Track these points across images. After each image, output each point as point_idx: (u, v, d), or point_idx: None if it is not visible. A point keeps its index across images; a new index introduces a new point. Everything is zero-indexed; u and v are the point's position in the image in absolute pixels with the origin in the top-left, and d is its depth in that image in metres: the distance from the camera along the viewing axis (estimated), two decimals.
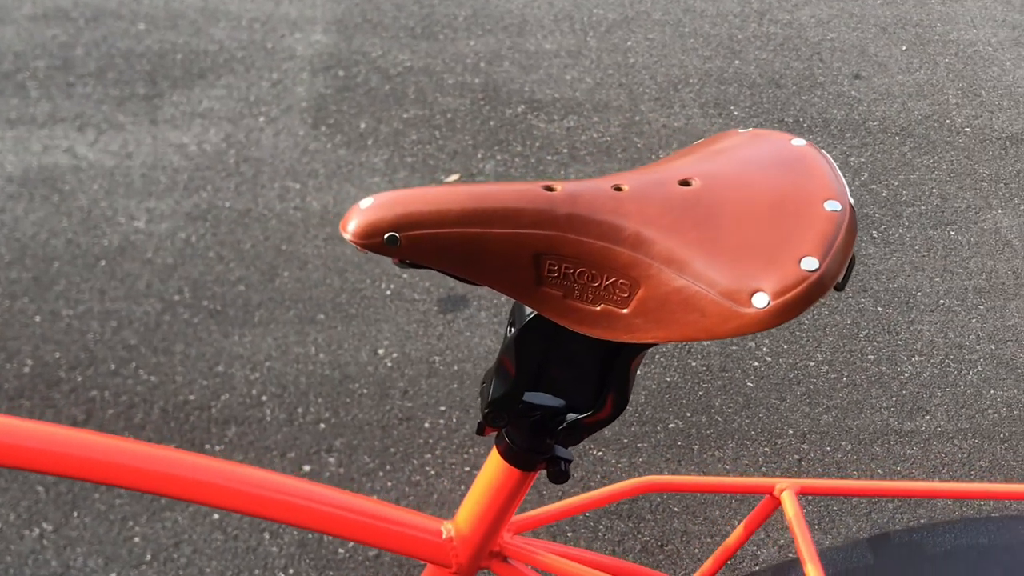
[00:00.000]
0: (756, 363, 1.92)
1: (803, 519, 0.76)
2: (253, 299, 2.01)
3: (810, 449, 1.77)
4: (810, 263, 0.55)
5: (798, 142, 0.62)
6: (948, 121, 2.63)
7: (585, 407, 0.65)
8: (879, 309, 2.05)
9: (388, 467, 1.71)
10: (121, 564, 1.55)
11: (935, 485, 0.81)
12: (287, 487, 0.69)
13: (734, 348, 1.95)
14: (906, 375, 1.91)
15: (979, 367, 1.94)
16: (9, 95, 2.55)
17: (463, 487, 1.68)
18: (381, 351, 1.92)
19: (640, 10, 3.03)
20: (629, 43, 2.88)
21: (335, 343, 1.92)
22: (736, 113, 2.62)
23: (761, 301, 0.54)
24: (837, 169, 0.61)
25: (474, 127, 2.52)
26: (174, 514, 1.62)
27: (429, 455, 1.73)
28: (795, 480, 0.79)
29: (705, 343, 1.97)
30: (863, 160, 2.48)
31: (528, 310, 0.61)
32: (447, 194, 0.57)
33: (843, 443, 1.78)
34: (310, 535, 1.60)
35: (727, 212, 0.57)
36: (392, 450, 1.74)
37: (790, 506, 0.77)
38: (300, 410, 1.80)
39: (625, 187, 0.59)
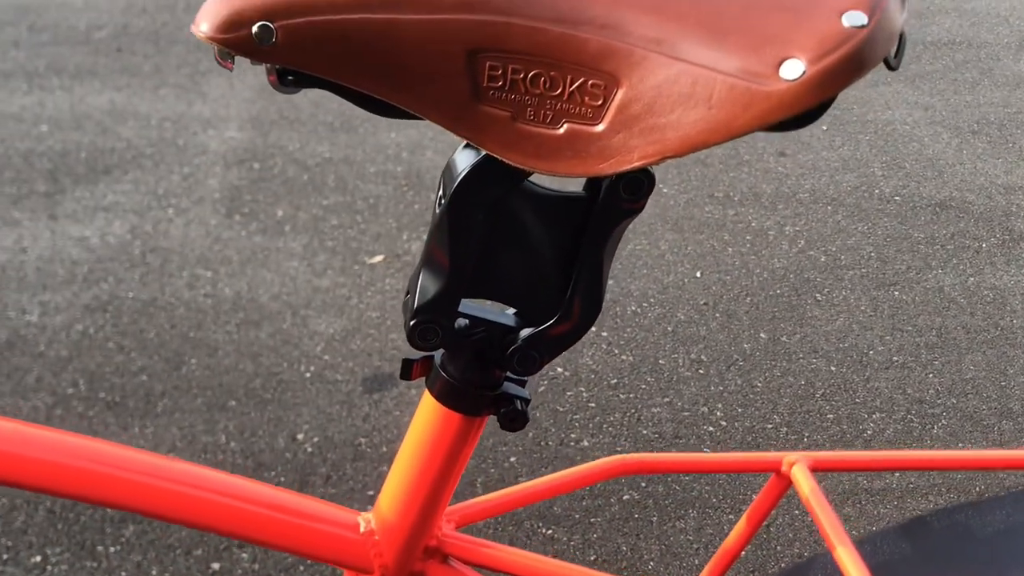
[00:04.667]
0: (711, 428, 1.78)
1: (822, 496, 0.61)
2: (156, 388, 1.81)
3: (777, 514, 1.62)
4: (856, 17, 0.41)
5: None
6: (877, 191, 2.61)
7: (544, 315, 0.49)
8: (832, 368, 1.94)
9: (309, 561, 1.50)
10: None
11: (963, 454, 0.67)
12: (154, 468, 0.52)
13: (686, 414, 1.81)
14: (869, 432, 1.79)
15: (943, 421, 1.82)
16: None
17: None
18: (300, 436, 1.73)
19: None
20: None
21: (248, 430, 1.73)
22: (666, 191, 2.56)
23: (793, 70, 0.40)
24: None
25: (398, 211, 2.41)
26: None
27: None
28: (806, 453, 0.64)
29: None
30: (798, 229, 2.42)
31: (463, 164, 0.46)
32: None
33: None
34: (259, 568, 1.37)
35: None
36: None
37: (804, 483, 0.62)
38: None
39: None
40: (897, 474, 1.71)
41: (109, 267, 2.15)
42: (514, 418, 0.51)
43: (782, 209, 2.50)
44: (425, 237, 2.19)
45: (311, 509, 0.55)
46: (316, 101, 2.93)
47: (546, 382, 1.87)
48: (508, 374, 0.52)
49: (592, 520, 1.59)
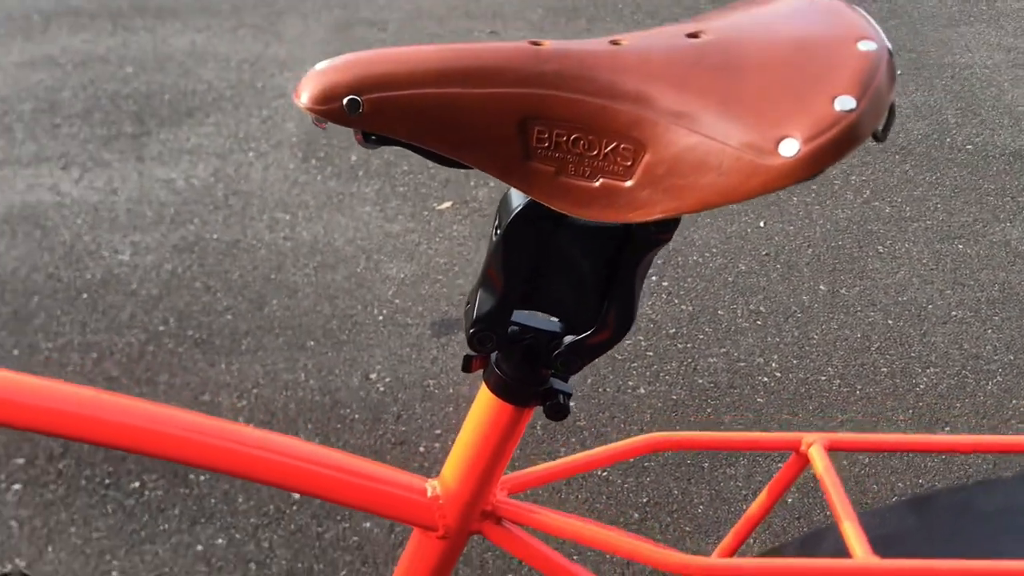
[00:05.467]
0: (766, 379, 1.84)
1: (836, 475, 0.68)
2: (241, 327, 1.94)
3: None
4: (846, 102, 0.47)
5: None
6: (949, 139, 2.59)
7: (584, 325, 0.57)
8: (889, 322, 1.98)
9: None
10: None
11: (977, 439, 0.73)
12: (251, 439, 0.62)
13: (741, 364, 1.87)
14: (922, 387, 1.83)
15: (998, 377, 1.85)
16: None
17: None
18: (373, 376, 1.84)
19: None
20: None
21: (325, 369, 1.84)
22: None
23: (790, 148, 0.47)
24: (869, 17, 0.54)
25: None
26: (154, 546, 1.53)
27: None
28: (824, 434, 0.71)
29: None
30: (864, 178, 2.42)
31: (515, 203, 0.54)
32: (418, 52, 0.50)
33: (860, 456, 1.69)
34: (300, 564, 1.50)
35: (744, 59, 0.50)
36: None
37: (819, 461, 0.69)
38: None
39: (624, 42, 0.51)
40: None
41: (194, 209, 2.27)
42: (558, 410, 0.60)
43: (849, 157, 2.50)
44: (491, 184, 2.23)
45: (387, 475, 0.64)
46: (389, 43, 2.99)
47: None
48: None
49: (646, 464, 1.67)
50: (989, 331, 1.96)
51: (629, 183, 0.50)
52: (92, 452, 1.67)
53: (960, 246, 2.20)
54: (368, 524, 1.55)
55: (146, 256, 2.12)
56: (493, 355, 0.60)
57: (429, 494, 0.64)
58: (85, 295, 2.01)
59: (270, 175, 2.39)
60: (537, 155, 0.50)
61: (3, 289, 2.02)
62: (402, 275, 2.08)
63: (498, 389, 0.60)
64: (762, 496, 0.74)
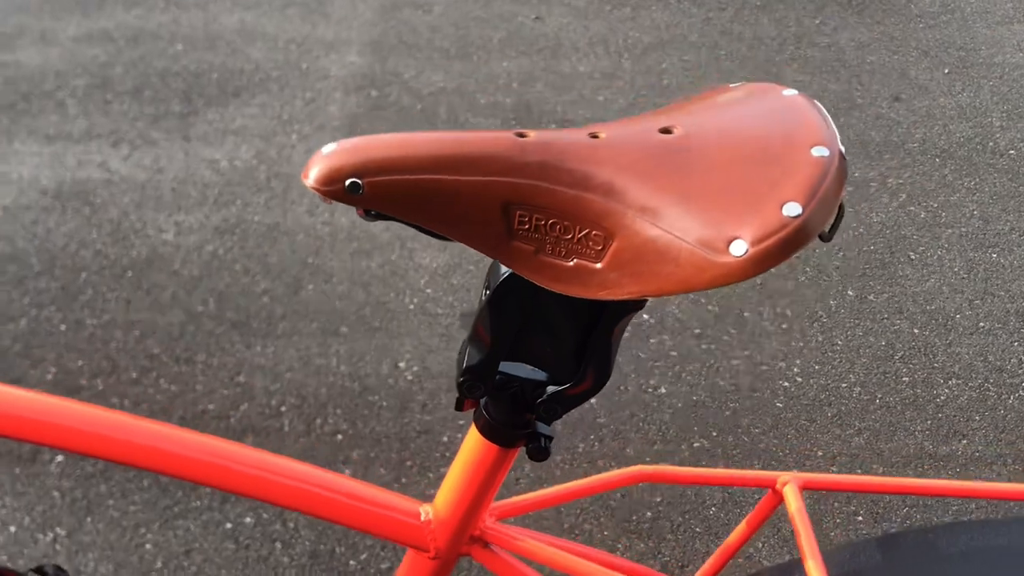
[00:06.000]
0: (786, 383, 1.87)
1: (806, 515, 0.71)
2: (277, 311, 2.00)
3: (840, 471, 1.71)
4: (792, 208, 0.51)
5: (789, 92, 0.59)
6: (992, 143, 2.57)
7: (564, 378, 0.61)
8: (915, 331, 1.99)
9: (404, 479, 1.68)
10: (131, 571, 1.53)
11: (946, 483, 0.76)
12: (259, 461, 0.67)
13: (764, 368, 1.89)
14: (942, 398, 1.84)
15: (1021, 392, 1.86)
16: (49, 112, 2.59)
17: None
18: (402, 364, 1.89)
19: (676, 33, 3.01)
20: (664, 65, 2.86)
21: (357, 355, 1.90)
22: None
23: (739, 249, 0.51)
24: (828, 117, 0.57)
25: None
26: (186, 522, 1.60)
27: (445, 468, 1.69)
28: (799, 474, 0.75)
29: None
30: (901, 182, 2.42)
31: (503, 271, 0.58)
32: (413, 139, 0.55)
33: (874, 466, 1.71)
34: (322, 546, 1.57)
35: (708, 159, 0.54)
36: (409, 463, 1.71)
37: (793, 500, 0.72)
38: (319, 421, 1.78)
39: (602, 135, 0.56)
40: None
41: (237, 191, 2.33)
42: (539, 452, 0.64)
43: (888, 159, 2.49)
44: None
45: (384, 499, 0.69)
46: (434, 26, 3.02)
47: (631, 329, 1.97)
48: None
49: (662, 464, 1.71)
50: (1016, 344, 1.96)
51: (599, 265, 0.55)
52: None
53: (994, 255, 2.19)
54: None
55: (189, 236, 2.19)
56: (482, 399, 0.64)
57: (422, 518, 0.69)
58: (130, 273, 2.08)
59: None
60: (519, 235, 0.55)
61: (53, 264, 2.10)
62: (435, 265, 2.12)
63: (485, 431, 0.65)
64: (740, 528, 0.78)
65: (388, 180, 0.53)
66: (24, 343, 1.92)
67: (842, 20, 3.10)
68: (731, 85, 0.62)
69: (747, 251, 0.51)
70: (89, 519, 1.60)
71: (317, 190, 0.54)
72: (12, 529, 1.58)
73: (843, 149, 0.55)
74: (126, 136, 2.51)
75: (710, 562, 0.80)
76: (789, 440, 1.76)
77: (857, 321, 2.01)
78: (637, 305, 0.58)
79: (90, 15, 3.06)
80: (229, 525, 1.60)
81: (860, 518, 1.63)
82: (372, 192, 0.53)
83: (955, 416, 1.81)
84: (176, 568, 1.54)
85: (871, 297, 2.07)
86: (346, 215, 2.26)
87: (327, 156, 0.54)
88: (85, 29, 2.97)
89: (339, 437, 1.75)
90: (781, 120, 0.56)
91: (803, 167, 0.53)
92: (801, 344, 1.95)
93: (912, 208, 2.33)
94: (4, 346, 1.91)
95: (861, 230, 2.25)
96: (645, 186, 0.53)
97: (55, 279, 2.06)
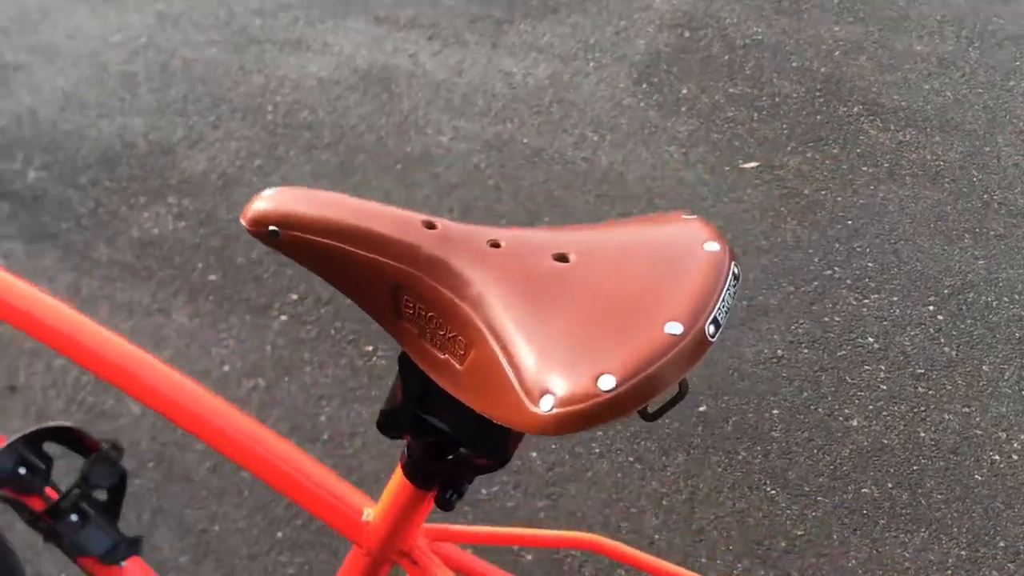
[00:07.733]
0: (997, 456, 1.67)
1: None
2: None
3: (1016, 570, 1.52)
4: (606, 382, 0.49)
5: (711, 247, 0.54)
6: None
7: (468, 446, 0.62)
8: None
9: None
10: (301, 434, 1.73)
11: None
12: (236, 422, 0.75)
13: (978, 432, 1.70)
14: None
15: None
16: None
17: None
18: None
19: None
20: (1018, 63, 2.52)
21: None
22: None
23: (546, 404, 0.49)
24: (726, 289, 0.52)
25: (797, 117, 2.37)
26: (361, 407, 1.77)
27: None
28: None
29: None
30: None
31: None
32: (334, 203, 0.58)
33: None
34: None
35: (576, 302, 0.52)
36: None
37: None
38: None
39: (503, 244, 0.55)
40: None
41: (518, 108, 2.41)
42: (444, 503, 0.66)
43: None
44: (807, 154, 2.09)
45: (336, 489, 0.75)
46: None
47: (849, 347, 1.84)
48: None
49: (820, 498, 1.62)
50: None
51: (461, 367, 0.55)
52: (350, 308, 1.93)
53: None
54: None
55: (460, 143, 2.31)
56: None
57: (363, 516, 0.74)
58: (399, 166, 2.25)
59: (599, 90, 2.46)
60: (405, 316, 0.58)
61: (340, 140, 2.32)
62: None
63: (404, 467, 0.68)
64: None
65: (300, 237, 0.58)
66: None
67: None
68: (684, 215, 0.58)
69: (552, 410, 0.49)
70: (286, 378, 1.81)
71: (248, 230, 0.59)
72: (225, 368, 1.83)
73: (712, 332, 0.50)
74: (442, 32, 2.66)
75: None
76: (972, 518, 1.59)
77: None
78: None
79: None
80: None
81: None
82: (287, 243, 0.58)
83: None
84: (337, 444, 1.71)
85: None
86: (608, 156, 2.27)
87: (261, 199, 0.59)
88: None
89: None
90: (668, 279, 0.52)
91: (643, 340, 0.49)
92: None
93: None
94: None
95: None
96: (510, 310, 0.53)
97: (337, 154, 2.28)
